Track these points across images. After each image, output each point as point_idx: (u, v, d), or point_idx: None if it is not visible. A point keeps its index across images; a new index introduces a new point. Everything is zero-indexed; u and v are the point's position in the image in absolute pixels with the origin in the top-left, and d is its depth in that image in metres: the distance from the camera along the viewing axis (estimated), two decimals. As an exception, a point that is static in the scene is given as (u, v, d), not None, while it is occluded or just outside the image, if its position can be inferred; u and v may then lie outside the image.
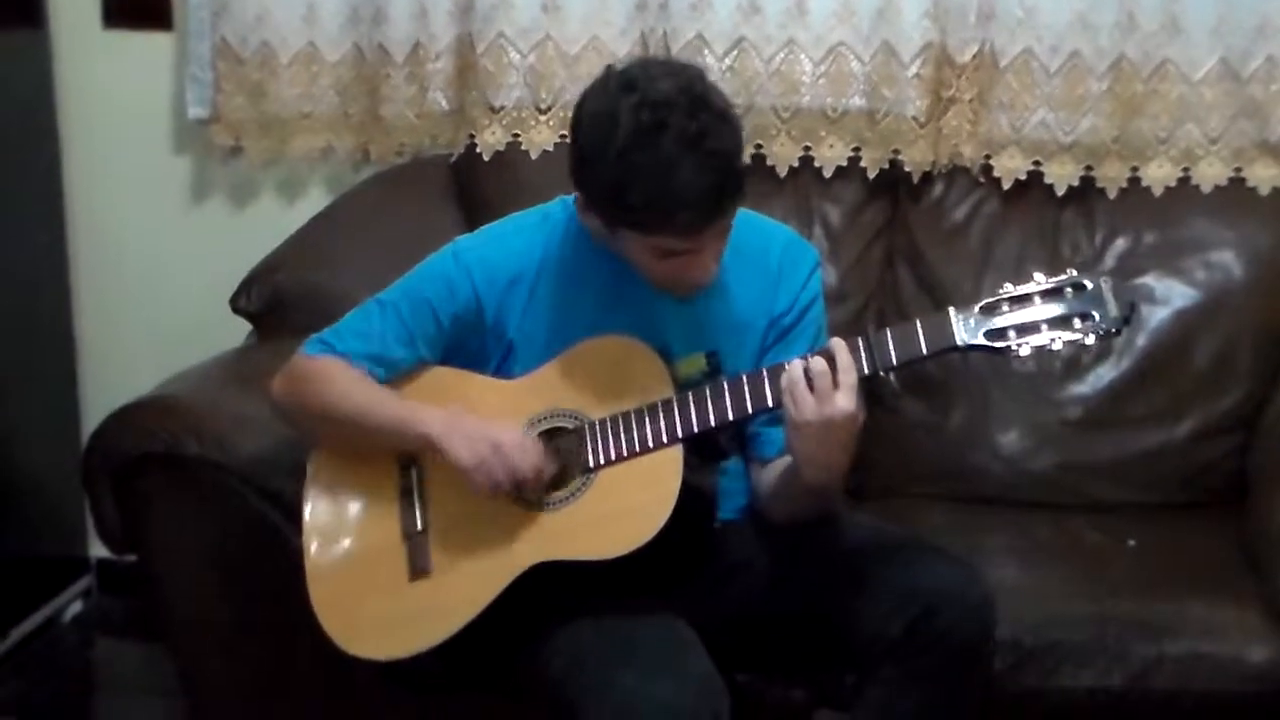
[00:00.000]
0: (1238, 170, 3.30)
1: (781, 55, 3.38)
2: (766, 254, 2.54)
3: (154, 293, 3.78)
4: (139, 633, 3.58)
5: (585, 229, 2.45)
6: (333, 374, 2.50)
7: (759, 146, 3.39)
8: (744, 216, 2.55)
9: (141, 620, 3.13)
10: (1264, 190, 3.28)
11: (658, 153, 2.22)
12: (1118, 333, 2.23)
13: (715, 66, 3.37)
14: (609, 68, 2.34)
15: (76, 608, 3.85)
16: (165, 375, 2.91)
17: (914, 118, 3.32)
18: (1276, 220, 3.26)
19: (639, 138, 2.23)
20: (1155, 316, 3.19)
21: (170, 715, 3.16)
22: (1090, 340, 2.22)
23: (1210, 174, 3.30)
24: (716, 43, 3.38)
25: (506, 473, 2.37)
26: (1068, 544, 2.95)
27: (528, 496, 2.40)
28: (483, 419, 2.42)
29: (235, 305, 3.19)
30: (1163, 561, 2.87)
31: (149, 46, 3.69)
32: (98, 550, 3.73)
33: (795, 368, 2.27)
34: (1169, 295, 3.21)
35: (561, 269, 2.50)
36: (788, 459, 2.40)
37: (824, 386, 2.24)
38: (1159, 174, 3.31)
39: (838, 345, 2.28)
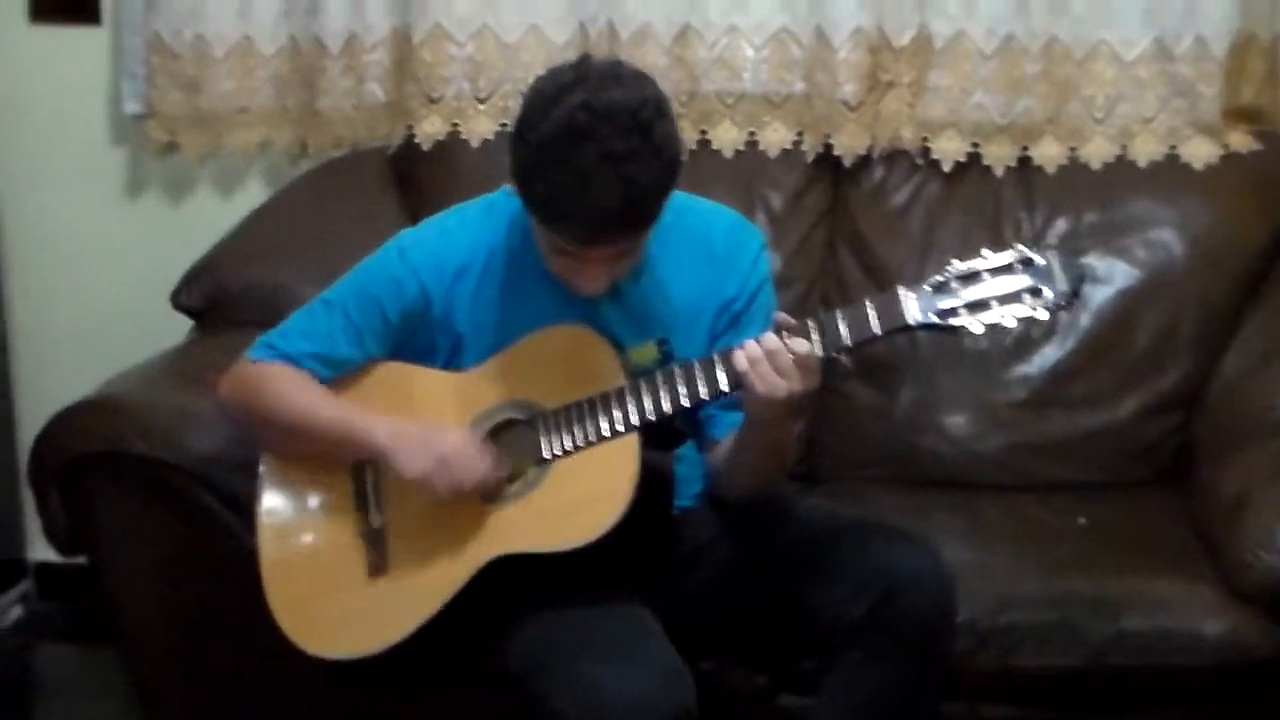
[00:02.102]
0: (1173, 148, 3.33)
1: (724, 41, 3.39)
2: (710, 238, 2.54)
3: (90, 290, 3.73)
4: (79, 637, 3.55)
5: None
6: (278, 381, 2.49)
7: (704, 132, 3.41)
8: (687, 201, 2.55)
9: (82, 624, 3.09)
10: (1198, 166, 3.29)
11: (575, 158, 2.20)
12: (1068, 305, 2.23)
13: (661, 55, 3.38)
14: (586, 55, 2.33)
15: (16, 612, 3.80)
16: (102, 374, 2.88)
17: (844, 102, 3.33)
18: (1213, 198, 3.28)
19: (564, 135, 2.20)
20: (1098, 296, 3.20)
21: (112, 718, 3.12)
22: (1042, 315, 2.22)
23: (1146, 150, 3.32)
24: (662, 31, 3.38)
25: (453, 485, 2.36)
26: (1019, 524, 2.96)
27: (481, 495, 2.40)
28: (428, 426, 2.41)
29: (176, 301, 3.16)
30: (1114, 539, 2.89)
31: (79, 41, 3.64)
32: (37, 554, 3.69)
33: (753, 347, 2.26)
34: (1111, 274, 3.22)
35: (508, 259, 2.48)
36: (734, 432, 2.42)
37: (784, 364, 2.24)
38: (1096, 152, 3.33)
39: (787, 323, 2.28)
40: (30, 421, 2.79)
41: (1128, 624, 2.63)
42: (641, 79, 2.30)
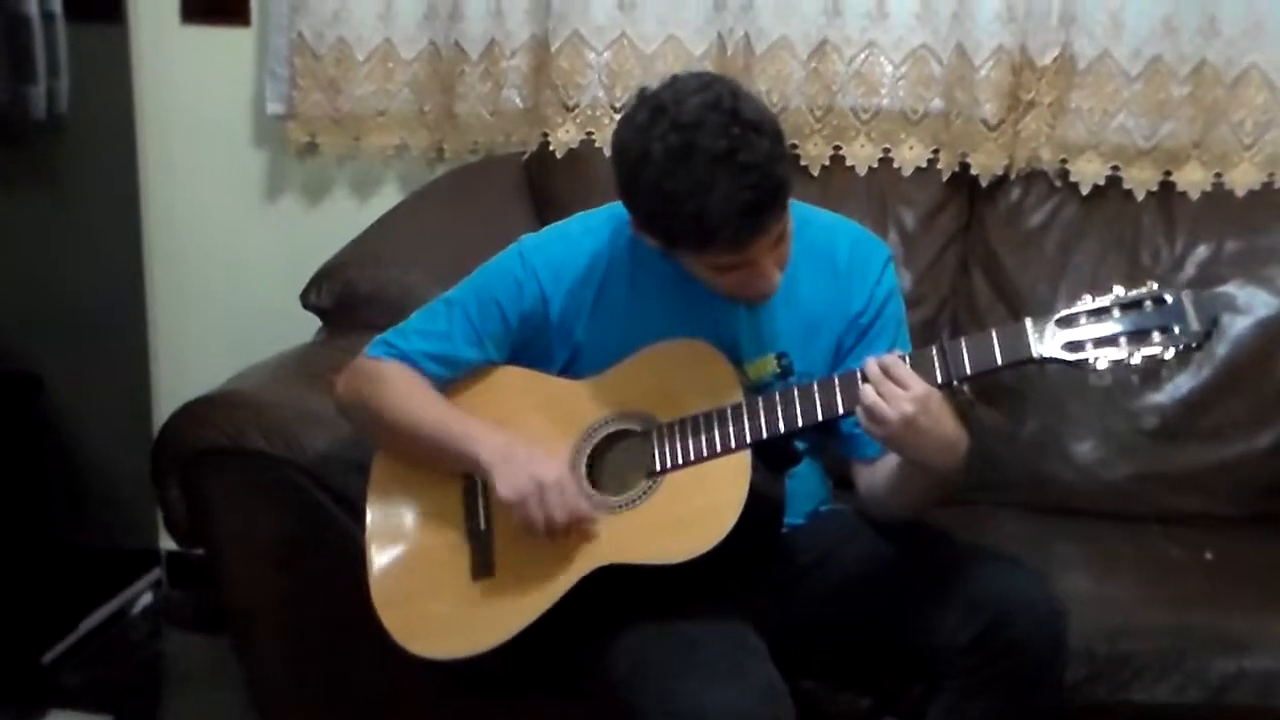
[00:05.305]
0: (1323, 176, 3.25)
1: (863, 57, 3.37)
2: (834, 251, 2.51)
3: (227, 288, 3.80)
4: (206, 626, 3.60)
5: None
6: (390, 381, 2.49)
7: (838, 148, 3.39)
8: (810, 214, 2.53)
9: (209, 613, 3.14)
10: (1349, 197, 3.22)
11: (691, 175, 2.19)
12: (1198, 348, 2.16)
13: (797, 68, 3.36)
14: (641, 90, 2.30)
15: (146, 600, 3.87)
16: (238, 370, 2.92)
17: (983, 120, 3.29)
18: (1363, 228, 3.19)
19: (671, 163, 2.20)
20: (1236, 325, 3.13)
21: (236, 707, 3.16)
22: (1169, 355, 2.15)
23: (1297, 179, 3.25)
24: (799, 45, 3.37)
25: (547, 515, 2.35)
26: (1143, 555, 2.90)
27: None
28: (532, 449, 2.40)
29: (306, 301, 3.18)
30: (1241, 575, 2.82)
31: (227, 42, 3.71)
32: (167, 543, 3.74)
33: (867, 391, 2.22)
34: (1251, 304, 3.15)
35: (629, 269, 2.48)
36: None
37: (889, 391, 2.21)
38: (1243, 178, 3.26)
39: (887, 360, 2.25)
40: (166, 415, 2.82)
41: (1250, 663, 2.56)
42: (703, 77, 2.29)
